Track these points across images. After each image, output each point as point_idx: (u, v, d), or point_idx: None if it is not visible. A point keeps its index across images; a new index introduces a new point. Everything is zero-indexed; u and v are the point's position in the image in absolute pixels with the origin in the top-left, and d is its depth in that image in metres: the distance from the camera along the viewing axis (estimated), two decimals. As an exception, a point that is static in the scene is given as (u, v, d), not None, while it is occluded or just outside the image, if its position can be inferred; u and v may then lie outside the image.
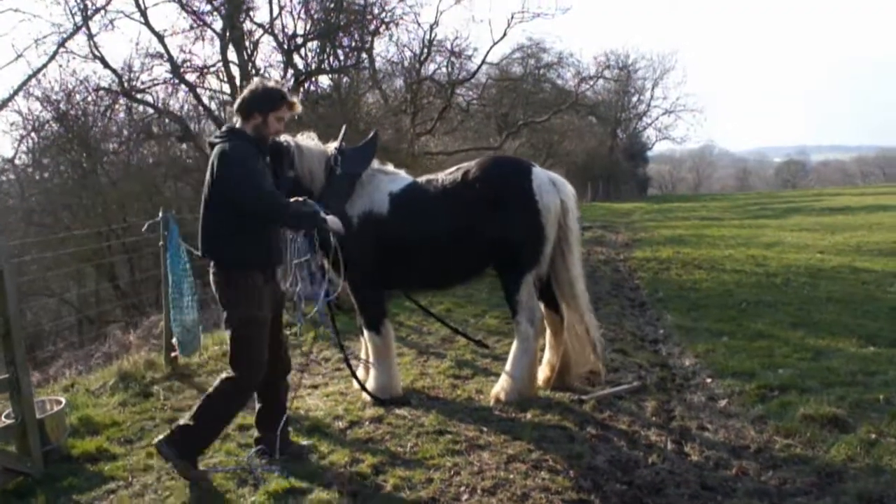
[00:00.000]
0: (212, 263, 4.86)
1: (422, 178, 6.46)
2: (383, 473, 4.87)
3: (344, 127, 6.66)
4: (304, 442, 5.36)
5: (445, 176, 6.29)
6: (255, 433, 5.28)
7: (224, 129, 4.95)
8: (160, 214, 7.61)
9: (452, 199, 6.05)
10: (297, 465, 4.98)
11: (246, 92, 4.92)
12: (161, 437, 4.84)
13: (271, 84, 4.98)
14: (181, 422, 4.86)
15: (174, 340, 7.36)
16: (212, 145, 4.88)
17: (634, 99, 57.32)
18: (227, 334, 4.92)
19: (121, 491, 4.82)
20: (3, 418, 5.25)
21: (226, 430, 5.28)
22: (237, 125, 4.90)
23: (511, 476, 4.77)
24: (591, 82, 40.40)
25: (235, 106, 4.95)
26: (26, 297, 20.56)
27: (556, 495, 4.49)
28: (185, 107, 22.40)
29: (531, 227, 6.01)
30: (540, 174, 6.17)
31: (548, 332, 6.55)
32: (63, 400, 5.71)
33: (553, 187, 6.14)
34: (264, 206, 4.68)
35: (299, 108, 5.09)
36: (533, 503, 4.45)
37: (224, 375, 4.91)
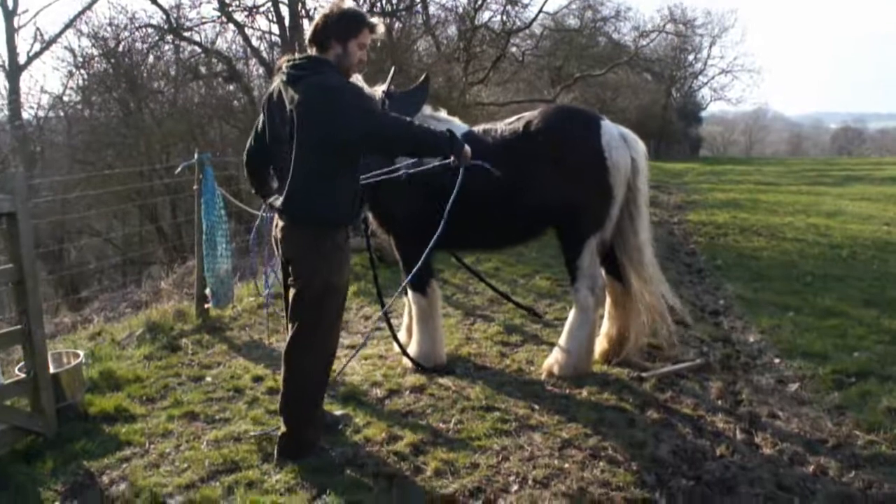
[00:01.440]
0: (287, 219, 4.21)
1: (478, 128, 5.90)
2: (423, 454, 4.41)
3: (393, 69, 6.15)
4: (339, 412, 4.93)
5: (505, 126, 5.72)
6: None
7: (302, 58, 4.17)
8: (195, 156, 7.17)
9: (512, 152, 5.48)
10: (330, 438, 4.55)
11: (319, 18, 4.20)
12: (275, 453, 4.35)
13: (347, 5, 4.25)
14: (280, 430, 4.36)
15: (207, 291, 6.99)
16: (292, 78, 4.08)
17: (691, 57, 55.61)
18: (293, 300, 4.27)
19: (135, 460, 4.41)
20: (16, 371, 4.89)
21: (318, 411, 4.51)
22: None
23: (566, 465, 4.28)
24: (653, 36, 39.34)
25: (308, 36, 4.24)
26: (70, 234, 20.63)
27: (617, 492, 3.99)
28: (233, 47, 21.98)
29: (598, 187, 5.46)
30: (610, 128, 5.60)
31: (608, 301, 6.02)
32: (81, 354, 5.33)
33: (624, 143, 5.57)
34: (410, 134, 4.15)
35: (382, 30, 4.41)
36: (591, 500, 3.96)
37: (284, 363, 4.29)
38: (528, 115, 5.75)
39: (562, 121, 5.62)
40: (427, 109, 5.95)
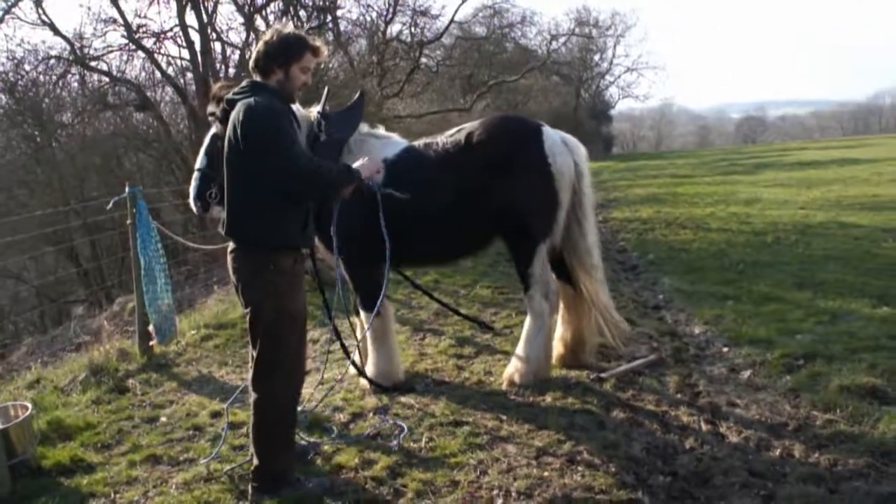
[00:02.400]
0: (231, 244, 4.13)
1: (419, 142, 5.86)
2: (401, 476, 4.33)
3: (326, 88, 6.07)
4: (305, 440, 4.82)
5: (446, 139, 5.68)
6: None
7: (245, 82, 4.22)
8: (126, 190, 6.94)
9: (455, 165, 5.47)
10: (302, 469, 4.43)
11: (259, 45, 4.17)
12: (250, 490, 4.20)
13: (288, 31, 4.21)
14: (252, 465, 4.22)
15: (150, 328, 6.77)
16: (230, 103, 4.12)
17: (597, 57, 56.95)
18: (249, 328, 4.17)
19: (104, 510, 4.24)
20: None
21: (289, 438, 4.34)
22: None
23: (545, 473, 4.26)
24: (563, 39, 40.03)
25: (251, 63, 4.21)
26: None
27: (602, 494, 4.00)
28: (143, 74, 21.48)
29: (544, 193, 5.48)
30: (551, 134, 5.62)
31: (560, 306, 6.04)
32: (29, 405, 5.07)
33: (566, 148, 5.61)
34: (294, 172, 3.92)
35: (325, 53, 4.36)
36: (578, 506, 3.97)
37: (252, 391, 4.16)
38: (468, 126, 5.74)
39: (504, 130, 5.62)
40: (364, 127, 5.89)
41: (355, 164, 4.35)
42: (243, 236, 4.08)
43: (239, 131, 3.93)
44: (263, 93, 4.06)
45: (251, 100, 3.99)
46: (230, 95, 4.19)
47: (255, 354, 4.12)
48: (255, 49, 4.22)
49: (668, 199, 18.90)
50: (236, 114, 3.99)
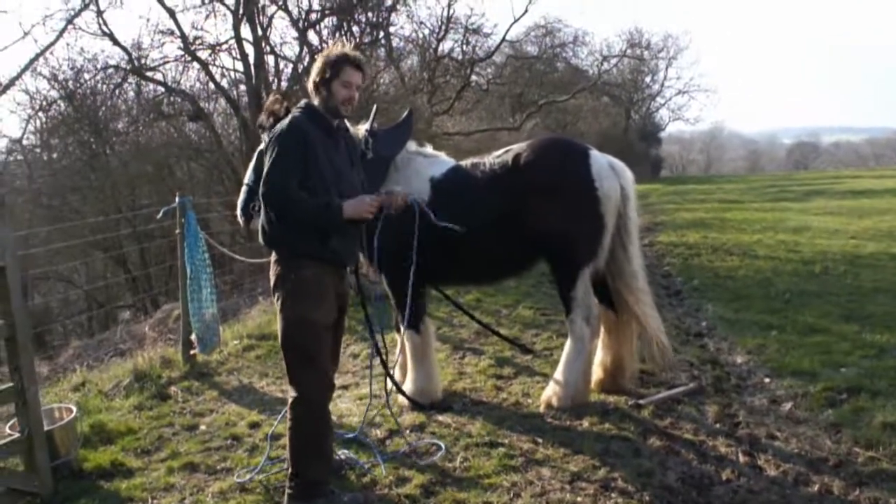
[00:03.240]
0: (273, 255, 4.31)
1: (466, 162, 5.91)
2: (434, 495, 4.36)
3: (375, 106, 6.14)
4: (341, 454, 4.86)
5: (493, 159, 5.72)
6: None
7: (302, 102, 4.45)
8: (176, 199, 7.09)
9: (502, 185, 5.51)
10: (336, 483, 4.47)
11: (317, 64, 4.40)
12: (285, 499, 4.25)
13: (337, 51, 4.38)
14: (288, 471, 4.28)
15: (193, 337, 6.88)
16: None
17: (648, 79, 56.49)
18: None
19: (141, 517, 4.32)
20: (7, 429, 4.76)
21: (324, 446, 4.39)
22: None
23: (578, 499, 4.26)
24: (615, 61, 39.88)
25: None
26: (34, 280, 20.26)
27: (633, 523, 3.99)
28: (197, 85, 21.86)
29: (589, 217, 5.49)
30: (599, 158, 5.64)
31: (601, 330, 6.03)
32: (74, 408, 5.20)
33: (612, 172, 5.62)
34: (271, 198, 4.11)
35: (363, 63, 4.47)
36: (609, 533, 3.95)
37: (289, 398, 4.27)
38: (516, 147, 5.77)
39: (551, 152, 5.65)
40: (412, 145, 5.96)
41: (347, 203, 4.26)
42: (270, 242, 4.26)
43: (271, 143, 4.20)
44: (303, 111, 4.30)
45: (288, 116, 4.26)
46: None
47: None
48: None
49: (716, 224, 18.67)
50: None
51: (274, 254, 4.29)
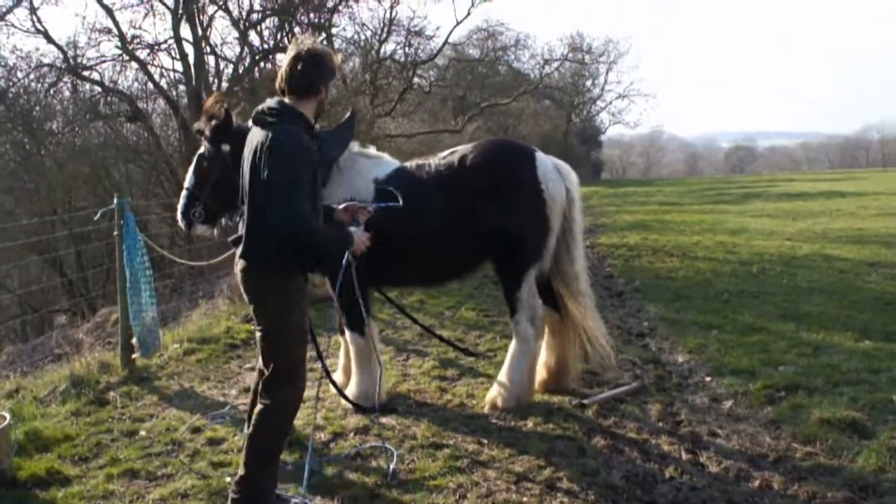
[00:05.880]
0: (242, 263, 4.02)
1: (411, 163, 5.87)
2: (380, 498, 4.32)
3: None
4: (287, 459, 4.77)
5: (439, 160, 5.70)
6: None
7: (276, 102, 3.95)
8: (115, 201, 6.91)
9: (447, 187, 5.49)
10: (280, 486, 4.38)
11: (305, 63, 3.93)
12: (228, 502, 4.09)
13: (320, 46, 4.07)
14: (238, 475, 4.10)
15: (134, 340, 6.73)
16: (257, 121, 3.95)
17: (589, 83, 57.27)
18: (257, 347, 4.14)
19: (79, 526, 4.19)
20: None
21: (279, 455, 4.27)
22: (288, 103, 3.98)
23: (524, 499, 4.26)
24: (556, 64, 40.29)
25: (291, 83, 3.97)
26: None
27: (579, 522, 4.00)
28: (135, 85, 21.50)
29: (535, 218, 5.52)
30: (544, 160, 5.66)
31: (545, 331, 6.05)
32: (7, 415, 5.01)
33: (558, 174, 5.66)
34: (298, 234, 3.81)
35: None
36: (555, 534, 3.96)
37: (261, 401, 4.07)
38: (462, 148, 5.77)
39: (498, 154, 5.65)
40: (355, 146, 5.91)
41: (355, 235, 4.20)
42: (263, 257, 3.98)
43: (263, 159, 3.80)
44: (295, 121, 3.91)
45: (281, 130, 3.83)
46: (258, 112, 3.99)
47: (270, 367, 4.03)
48: (296, 69, 3.97)
49: (656, 226, 19.00)
50: (264, 139, 3.84)
51: (259, 267, 4.01)
